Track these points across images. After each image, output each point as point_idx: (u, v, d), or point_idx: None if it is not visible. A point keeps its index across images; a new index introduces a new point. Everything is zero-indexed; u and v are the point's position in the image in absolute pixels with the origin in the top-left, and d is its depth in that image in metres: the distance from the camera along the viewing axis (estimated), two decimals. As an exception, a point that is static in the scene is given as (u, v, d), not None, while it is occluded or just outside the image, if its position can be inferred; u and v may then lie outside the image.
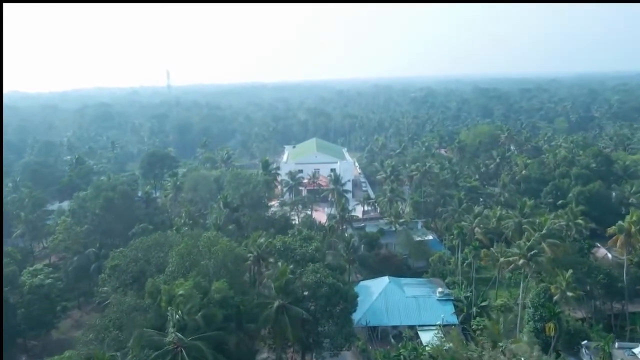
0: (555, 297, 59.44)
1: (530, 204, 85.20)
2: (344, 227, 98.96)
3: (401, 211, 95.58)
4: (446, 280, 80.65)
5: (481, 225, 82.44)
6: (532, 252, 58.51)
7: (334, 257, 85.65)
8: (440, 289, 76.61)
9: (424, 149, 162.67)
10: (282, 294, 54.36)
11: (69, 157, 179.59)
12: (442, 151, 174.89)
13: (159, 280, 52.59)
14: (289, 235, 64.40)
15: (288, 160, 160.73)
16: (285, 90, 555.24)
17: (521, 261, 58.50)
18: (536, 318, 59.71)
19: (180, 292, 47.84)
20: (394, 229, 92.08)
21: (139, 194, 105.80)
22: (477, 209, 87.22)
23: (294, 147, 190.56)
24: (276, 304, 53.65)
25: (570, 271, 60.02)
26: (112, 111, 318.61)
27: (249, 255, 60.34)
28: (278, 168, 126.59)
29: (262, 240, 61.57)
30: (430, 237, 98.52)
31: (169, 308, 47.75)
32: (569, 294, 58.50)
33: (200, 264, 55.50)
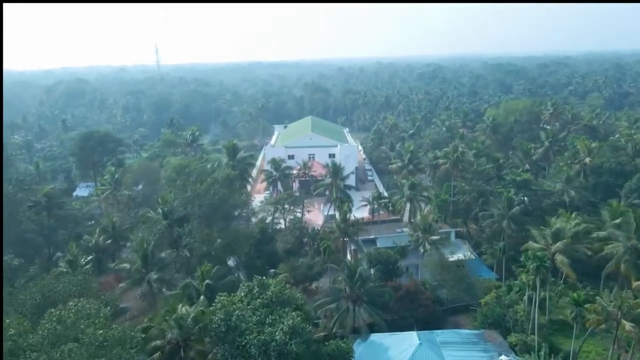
0: None
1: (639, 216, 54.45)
2: (345, 239, 69.26)
3: (433, 222, 64.38)
4: (510, 339, 50.68)
5: (566, 250, 51.84)
6: None
7: (332, 292, 55.98)
8: (503, 358, 46.81)
9: (444, 129, 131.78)
10: None
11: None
12: (464, 132, 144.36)
13: None
14: (243, 294, 33.11)
15: (276, 143, 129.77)
16: (282, 68, 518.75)
17: None
18: None
19: None
20: (422, 250, 61.41)
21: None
22: (556, 223, 56.12)
23: (285, 127, 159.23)
24: None
25: None
26: (86, 88, 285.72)
27: (157, 342, 29.76)
28: (252, 157, 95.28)
29: (185, 309, 30.81)
30: (472, 256, 68.28)
31: None
32: None
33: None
